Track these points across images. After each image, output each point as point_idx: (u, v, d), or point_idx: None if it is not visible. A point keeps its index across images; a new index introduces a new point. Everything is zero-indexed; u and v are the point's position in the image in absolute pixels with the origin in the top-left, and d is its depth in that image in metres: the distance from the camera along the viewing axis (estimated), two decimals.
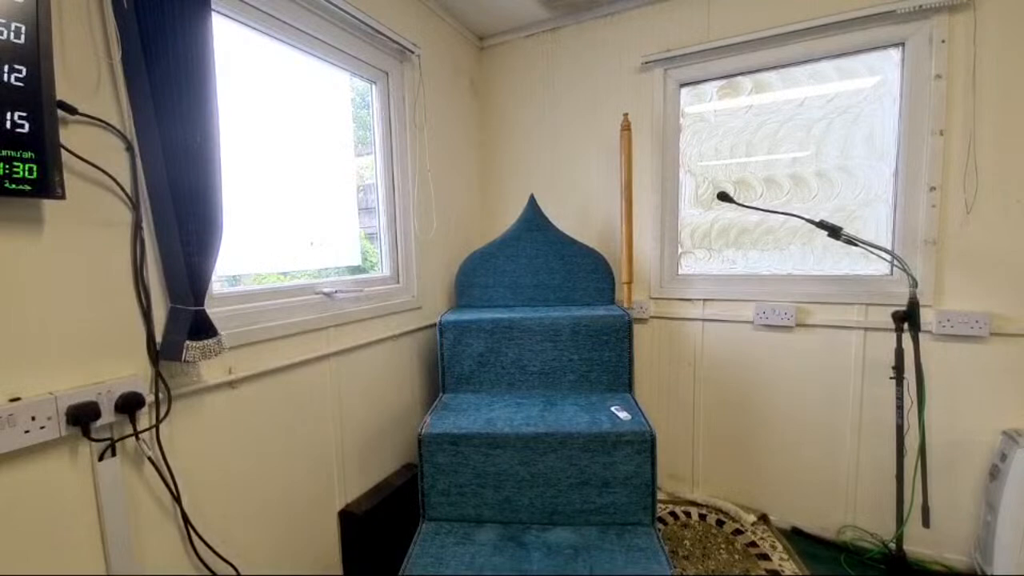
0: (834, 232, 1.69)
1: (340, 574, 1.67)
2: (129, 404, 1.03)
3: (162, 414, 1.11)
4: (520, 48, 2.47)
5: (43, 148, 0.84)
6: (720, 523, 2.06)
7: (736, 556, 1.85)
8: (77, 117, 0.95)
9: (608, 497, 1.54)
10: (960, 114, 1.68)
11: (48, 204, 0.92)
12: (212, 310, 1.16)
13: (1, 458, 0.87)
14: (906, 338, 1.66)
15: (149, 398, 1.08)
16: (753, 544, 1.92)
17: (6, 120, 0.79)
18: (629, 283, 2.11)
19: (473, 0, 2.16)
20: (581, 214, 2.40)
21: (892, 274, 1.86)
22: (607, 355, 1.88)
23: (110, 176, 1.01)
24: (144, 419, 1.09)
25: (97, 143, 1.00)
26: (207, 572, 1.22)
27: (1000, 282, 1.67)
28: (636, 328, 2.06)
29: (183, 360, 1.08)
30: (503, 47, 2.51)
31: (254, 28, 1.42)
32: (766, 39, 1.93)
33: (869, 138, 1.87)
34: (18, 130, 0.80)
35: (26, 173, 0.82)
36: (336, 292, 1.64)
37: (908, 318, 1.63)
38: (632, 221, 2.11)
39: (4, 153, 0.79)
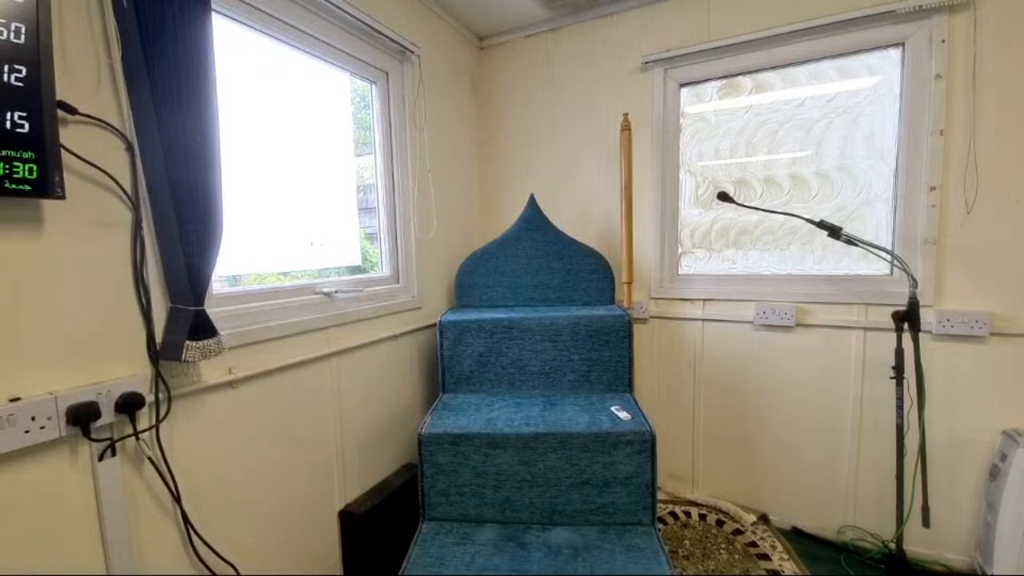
0: (834, 232, 1.69)
1: (340, 574, 1.67)
2: (129, 404, 1.03)
3: (162, 414, 1.10)
4: (520, 48, 2.47)
5: (43, 148, 0.84)
6: (720, 523, 2.06)
7: (736, 556, 1.85)
8: (77, 117, 0.95)
9: (608, 497, 1.54)
10: (960, 114, 1.68)
11: (48, 204, 0.92)
12: (212, 310, 1.16)
13: (1, 458, 0.87)
14: (906, 338, 1.66)
15: (149, 398, 1.08)
16: (753, 544, 1.92)
17: (6, 120, 0.79)
18: (629, 283, 2.11)
19: (473, 0, 2.16)
20: (581, 214, 2.40)
21: (892, 274, 1.86)
22: (607, 355, 1.88)
23: (110, 176, 1.01)
24: (144, 419, 1.09)
25: (97, 143, 1.00)
26: (207, 572, 1.22)
27: (1000, 282, 1.67)
28: (636, 328, 2.07)
29: (183, 360, 1.08)
30: (503, 47, 2.51)
31: (254, 28, 1.42)
32: (766, 39, 1.93)
33: (869, 138, 1.87)
34: (18, 130, 0.80)
35: (26, 173, 0.81)
36: (336, 292, 1.64)
37: (908, 318, 1.63)
38: (632, 221, 2.11)
39: (4, 153, 0.79)
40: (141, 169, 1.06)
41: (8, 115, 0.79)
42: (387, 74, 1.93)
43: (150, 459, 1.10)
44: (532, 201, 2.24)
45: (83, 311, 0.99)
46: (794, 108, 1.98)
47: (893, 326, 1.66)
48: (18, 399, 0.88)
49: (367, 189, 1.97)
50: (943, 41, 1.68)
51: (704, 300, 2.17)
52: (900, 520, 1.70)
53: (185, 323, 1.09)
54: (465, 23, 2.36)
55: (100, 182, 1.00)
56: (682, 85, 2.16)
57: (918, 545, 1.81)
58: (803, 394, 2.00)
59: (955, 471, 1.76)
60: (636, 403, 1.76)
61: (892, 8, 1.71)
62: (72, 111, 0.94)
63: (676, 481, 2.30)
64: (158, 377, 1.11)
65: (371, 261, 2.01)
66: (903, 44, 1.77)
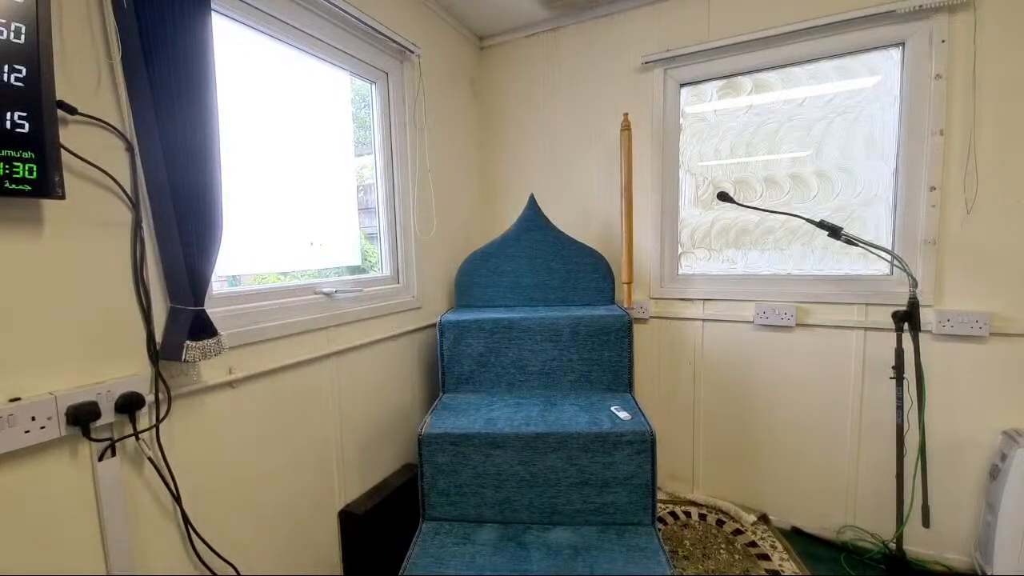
0: (834, 232, 1.69)
1: (340, 574, 1.67)
2: (129, 404, 1.03)
3: (162, 414, 1.10)
4: (520, 48, 2.47)
5: (43, 148, 0.84)
6: (720, 523, 2.06)
7: (736, 556, 1.85)
8: (77, 117, 0.95)
9: (608, 497, 1.54)
10: (960, 114, 1.68)
11: (48, 204, 0.92)
12: (212, 310, 1.16)
13: (1, 458, 0.87)
14: (906, 338, 1.66)
15: (149, 398, 1.08)
16: (753, 544, 1.92)
17: (6, 120, 0.79)
18: (629, 283, 2.11)
19: (473, 0, 2.16)
20: (581, 214, 2.40)
21: (892, 274, 1.86)
22: (607, 355, 1.88)
23: (110, 176, 1.01)
24: (144, 419, 1.09)
25: (97, 143, 1.00)
26: (207, 572, 1.22)
27: (1000, 282, 1.67)
28: (636, 328, 2.07)
29: (183, 360, 1.08)
30: (503, 47, 2.51)
31: (254, 28, 1.42)
32: (766, 39, 1.93)
33: (869, 138, 1.87)
34: (18, 130, 0.80)
35: (26, 173, 0.81)
36: (336, 292, 1.64)
37: (908, 318, 1.63)
38: (632, 221, 2.11)
39: (4, 153, 0.79)
40: (141, 169, 1.06)
41: (8, 115, 0.79)
42: (387, 74, 1.93)
43: (150, 459, 1.10)
44: (532, 201, 2.24)
45: (83, 311, 0.99)
46: (794, 108, 1.98)
47: (893, 326, 1.66)
48: (18, 399, 0.88)
49: (367, 189, 1.97)
50: (943, 41, 1.68)
51: (704, 300, 2.17)
52: (900, 520, 1.70)
53: (185, 323, 1.09)
54: (465, 23, 2.36)
55: (100, 182, 1.00)
56: (682, 85, 2.16)
57: (918, 545, 1.81)
58: (803, 394, 2.00)
59: (955, 471, 1.76)
60: (636, 403, 1.76)
61: (892, 8, 1.71)
62: (72, 111, 0.94)
63: (676, 481, 2.30)
64: (158, 377, 1.11)
65: (371, 261, 2.01)
66: (903, 44, 1.77)
